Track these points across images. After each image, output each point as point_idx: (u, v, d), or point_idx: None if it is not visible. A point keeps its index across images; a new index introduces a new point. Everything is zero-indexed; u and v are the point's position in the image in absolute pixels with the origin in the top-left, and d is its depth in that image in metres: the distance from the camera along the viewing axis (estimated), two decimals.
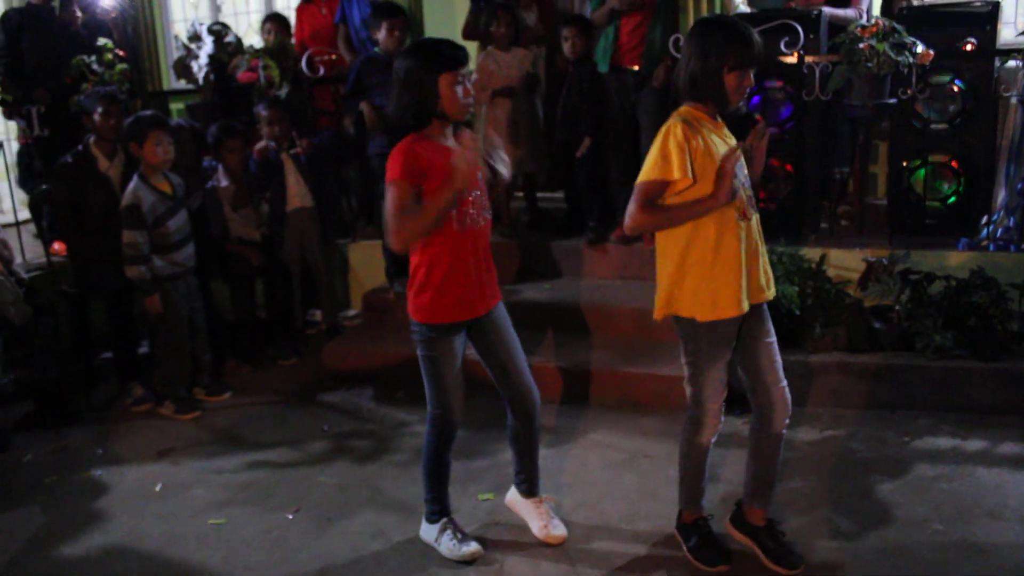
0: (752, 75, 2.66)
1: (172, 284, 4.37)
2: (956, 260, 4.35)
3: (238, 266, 5.03)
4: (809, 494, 3.36)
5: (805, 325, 4.20)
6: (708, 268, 2.68)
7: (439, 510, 3.10)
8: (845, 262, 4.48)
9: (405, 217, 2.71)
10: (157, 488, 3.71)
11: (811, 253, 4.45)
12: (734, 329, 2.76)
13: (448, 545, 3.05)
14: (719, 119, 2.75)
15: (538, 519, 3.15)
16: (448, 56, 2.72)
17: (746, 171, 2.74)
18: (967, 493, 3.30)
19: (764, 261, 2.78)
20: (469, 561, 3.02)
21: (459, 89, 2.73)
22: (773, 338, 2.82)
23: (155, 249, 4.29)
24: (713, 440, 2.90)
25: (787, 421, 2.86)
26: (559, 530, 3.12)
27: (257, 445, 4.07)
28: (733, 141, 2.73)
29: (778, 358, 2.82)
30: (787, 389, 2.84)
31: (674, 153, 2.60)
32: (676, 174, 2.60)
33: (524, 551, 3.09)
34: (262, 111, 5.03)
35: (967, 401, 3.95)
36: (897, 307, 4.18)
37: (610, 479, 3.57)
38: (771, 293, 2.80)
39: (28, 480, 3.85)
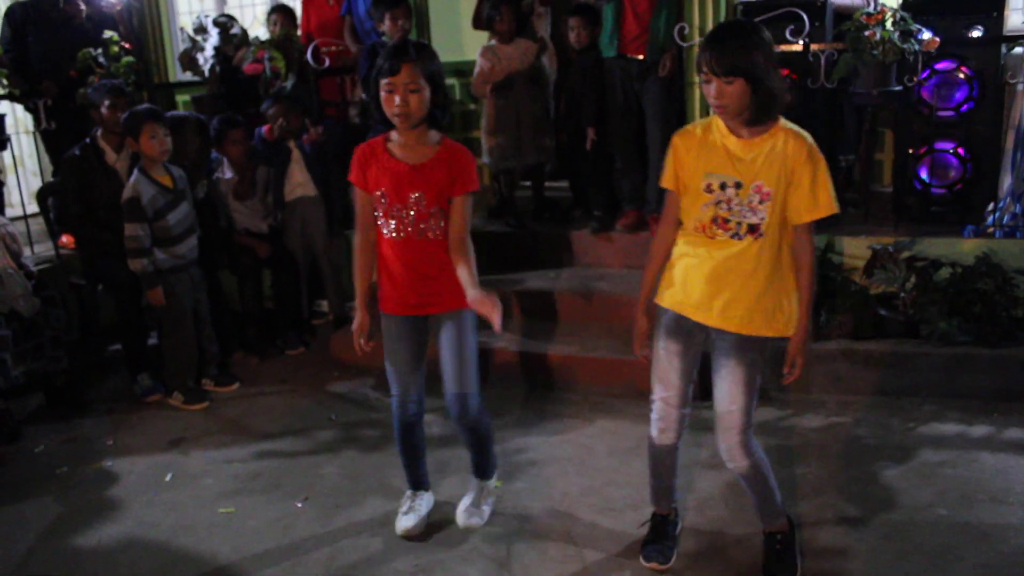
0: (714, 83, 2.43)
1: (175, 277, 4.39)
2: (962, 247, 4.34)
3: (245, 257, 5.06)
4: (814, 480, 3.37)
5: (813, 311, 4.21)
6: (675, 257, 2.70)
7: (408, 482, 3.26)
8: (851, 249, 4.49)
9: (357, 240, 2.96)
10: (167, 478, 3.75)
11: (816, 240, 4.44)
12: (679, 327, 2.68)
13: (398, 514, 3.21)
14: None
15: (465, 498, 3.25)
16: (381, 65, 2.76)
17: (740, 198, 2.54)
18: (972, 478, 3.32)
19: (754, 291, 2.57)
20: (404, 536, 3.14)
21: (388, 97, 2.75)
22: (730, 372, 2.62)
23: (156, 242, 4.31)
24: (669, 442, 2.80)
25: (736, 467, 2.70)
26: (464, 517, 3.18)
27: (265, 435, 4.10)
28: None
29: (731, 397, 2.63)
30: (735, 435, 2.65)
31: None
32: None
33: (531, 537, 3.12)
34: (267, 109, 5.04)
35: (972, 387, 3.96)
36: (903, 294, 4.19)
37: (616, 465, 3.59)
38: (735, 326, 2.59)
39: (40, 471, 3.88)
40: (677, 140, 2.65)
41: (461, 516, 3.19)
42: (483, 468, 3.25)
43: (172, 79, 7.10)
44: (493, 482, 3.31)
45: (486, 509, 3.23)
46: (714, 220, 2.57)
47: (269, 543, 3.19)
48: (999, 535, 2.96)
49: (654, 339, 2.77)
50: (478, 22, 5.60)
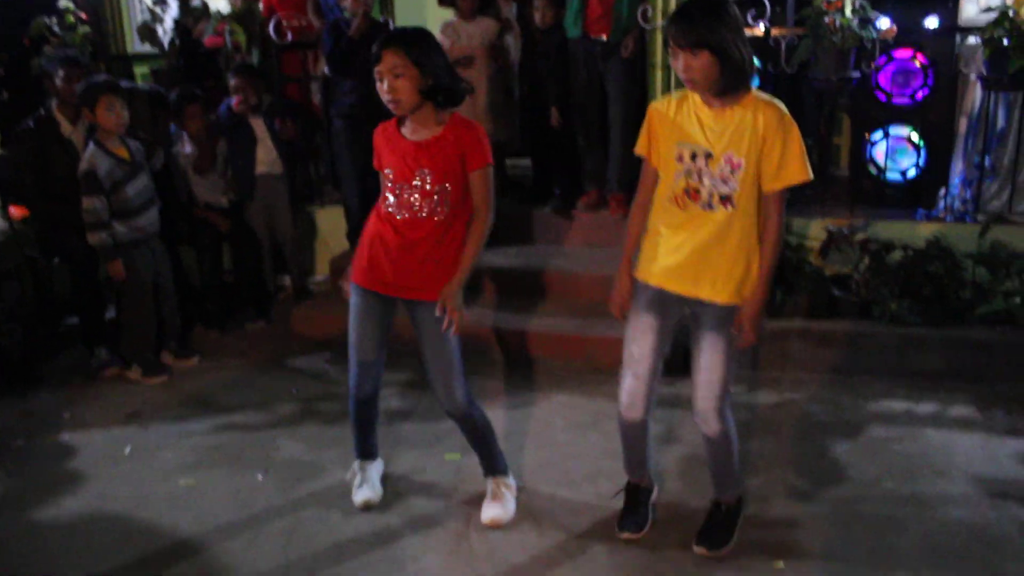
0: (681, 56, 2.46)
1: (136, 250, 4.35)
2: (914, 231, 4.46)
3: (205, 231, 5.02)
4: (767, 455, 3.46)
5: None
6: (648, 230, 2.74)
7: (356, 453, 3.28)
8: (807, 231, 4.58)
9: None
10: (126, 451, 3.73)
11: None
12: (657, 301, 2.72)
13: (353, 488, 3.23)
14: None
15: (487, 497, 3.18)
16: (373, 53, 2.79)
17: (711, 168, 2.57)
18: (917, 453, 3.43)
19: (722, 260, 2.62)
20: (364, 507, 3.18)
21: (378, 86, 2.78)
22: (711, 343, 2.69)
23: (115, 215, 4.26)
24: (636, 416, 2.82)
25: (708, 430, 2.76)
26: (487, 512, 3.11)
27: (225, 408, 4.09)
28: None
29: (711, 367, 2.69)
30: (711, 400, 2.71)
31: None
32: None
33: None
34: (231, 79, 4.99)
35: (921, 367, 4.08)
36: (856, 276, 4.29)
37: (574, 439, 3.66)
38: (705, 292, 2.64)
39: None
40: (652, 108, 2.70)
41: (483, 513, 3.13)
42: (491, 463, 3.18)
43: (130, 51, 6.97)
44: (510, 478, 3.22)
45: (508, 503, 3.14)
46: (686, 191, 2.61)
47: (230, 515, 3.20)
48: (941, 507, 3.07)
49: (630, 312, 2.81)
50: (447, 1, 5.58)
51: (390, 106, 2.78)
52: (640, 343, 2.77)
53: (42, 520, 3.25)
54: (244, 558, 2.96)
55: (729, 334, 2.66)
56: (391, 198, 2.87)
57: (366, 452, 3.29)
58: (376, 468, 3.31)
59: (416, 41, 2.77)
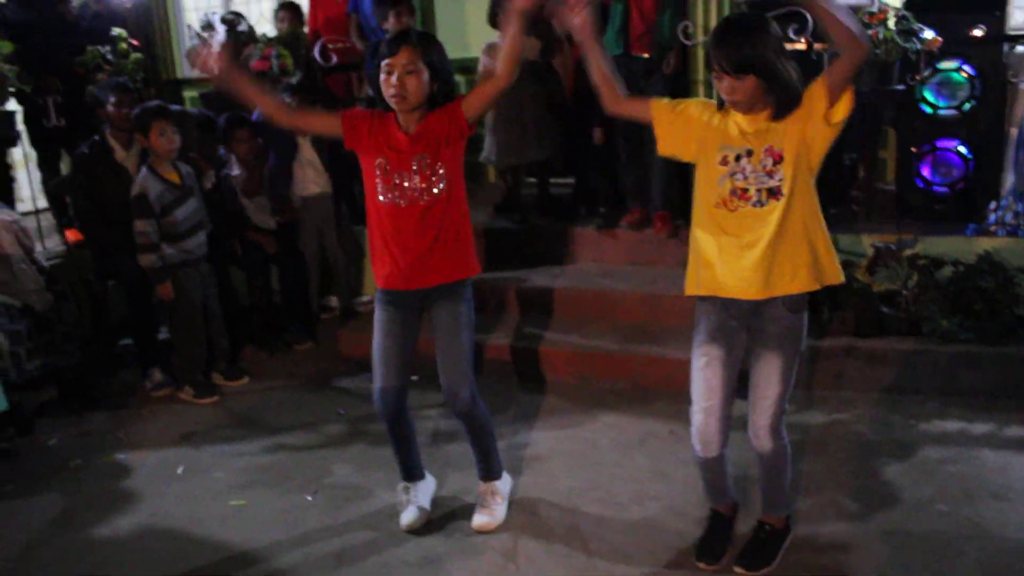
0: (726, 80, 2.47)
1: (184, 271, 4.45)
2: (964, 245, 4.38)
3: (253, 253, 5.11)
4: (816, 476, 3.42)
5: (813, 310, 4.25)
6: (695, 245, 2.72)
7: (401, 474, 3.30)
8: (854, 247, 4.52)
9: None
10: (179, 471, 3.80)
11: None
12: (721, 329, 2.68)
13: (401, 510, 3.25)
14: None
15: (477, 504, 3.25)
16: (381, 49, 2.87)
17: (753, 164, 2.57)
18: (972, 475, 3.37)
19: (785, 251, 2.57)
20: (408, 530, 3.18)
21: (386, 79, 2.84)
22: (771, 359, 2.65)
23: (165, 238, 4.37)
24: (712, 455, 2.75)
25: (762, 447, 2.73)
26: (476, 519, 3.19)
27: (275, 429, 4.15)
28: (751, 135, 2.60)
29: (769, 383, 2.67)
30: (767, 417, 2.68)
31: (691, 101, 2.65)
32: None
33: (536, 530, 3.17)
34: (286, 98, 5.08)
35: (974, 385, 4.00)
36: (905, 292, 4.23)
37: (621, 460, 3.65)
38: (779, 288, 2.58)
39: (53, 463, 3.94)
40: (701, 100, 2.72)
41: (473, 520, 3.20)
42: (488, 467, 3.26)
43: (179, 76, 7.14)
44: (502, 483, 3.30)
45: (498, 509, 3.22)
46: (733, 192, 2.59)
47: (279, 535, 3.25)
48: (999, 531, 3.00)
49: (693, 344, 2.75)
50: (495, 19, 5.62)
51: (393, 100, 2.85)
52: (711, 376, 2.72)
53: (98, 537, 3.33)
54: None
55: (790, 344, 2.65)
56: (384, 187, 2.92)
57: (409, 472, 3.30)
58: (424, 488, 3.32)
59: (432, 43, 2.89)
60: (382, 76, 2.84)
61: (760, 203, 2.57)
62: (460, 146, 2.96)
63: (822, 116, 2.51)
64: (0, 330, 3.97)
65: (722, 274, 2.64)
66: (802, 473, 3.43)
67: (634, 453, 3.69)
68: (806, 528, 3.05)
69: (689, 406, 2.80)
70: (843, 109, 2.51)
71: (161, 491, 3.64)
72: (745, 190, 2.58)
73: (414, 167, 2.89)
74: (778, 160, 2.53)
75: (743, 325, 2.70)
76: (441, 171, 2.91)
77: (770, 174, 2.54)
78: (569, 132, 5.49)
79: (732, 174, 2.59)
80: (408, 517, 3.22)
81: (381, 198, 2.94)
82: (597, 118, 5.12)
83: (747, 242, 2.59)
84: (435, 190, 2.90)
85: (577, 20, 2.70)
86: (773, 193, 2.55)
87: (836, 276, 2.66)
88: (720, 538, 2.96)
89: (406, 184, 2.90)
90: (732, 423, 2.79)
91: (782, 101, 2.49)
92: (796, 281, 2.61)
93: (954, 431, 3.73)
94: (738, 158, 2.58)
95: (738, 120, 2.59)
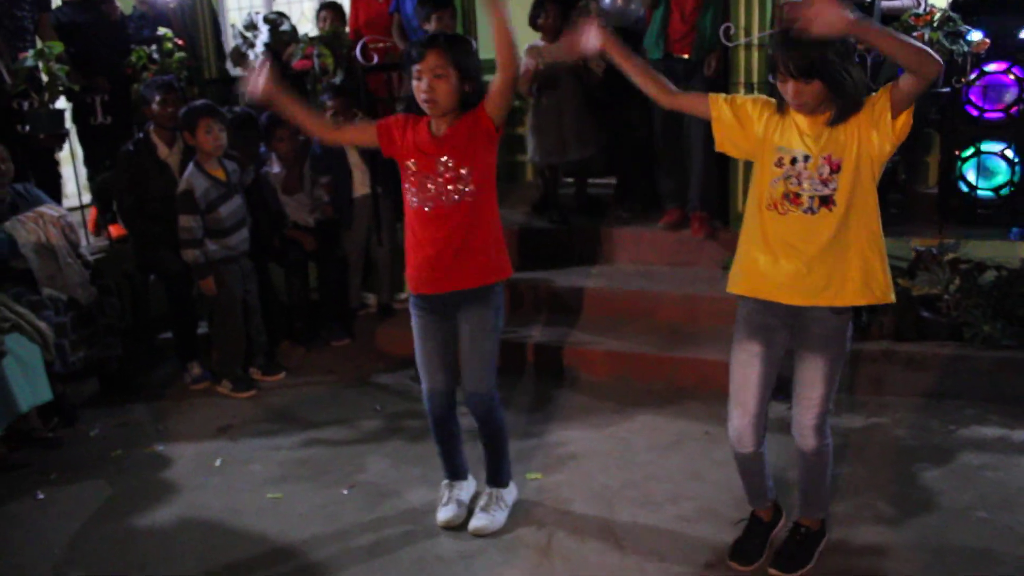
0: (791, 83, 2.45)
1: (226, 267, 4.51)
2: (1008, 250, 4.31)
3: (292, 250, 5.17)
4: (853, 480, 3.39)
5: (854, 312, 4.21)
6: (743, 243, 2.71)
7: (444, 472, 3.33)
8: (895, 251, 4.44)
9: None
10: (217, 463, 3.86)
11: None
12: (760, 324, 2.68)
13: (439, 506, 3.27)
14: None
15: (479, 507, 3.24)
16: (409, 54, 2.89)
17: (810, 171, 2.54)
18: (1013, 482, 3.31)
19: (834, 262, 2.55)
20: (444, 527, 3.20)
21: (417, 84, 2.86)
22: (814, 359, 2.65)
23: (209, 234, 4.44)
24: (748, 450, 2.78)
25: (805, 446, 2.74)
26: (473, 521, 3.18)
27: (312, 423, 4.20)
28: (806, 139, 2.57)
29: (813, 382, 2.66)
30: (811, 416, 2.69)
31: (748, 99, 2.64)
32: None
33: (571, 528, 3.18)
34: (327, 100, 5.14)
35: (1016, 392, 3.93)
36: (946, 296, 4.17)
37: (656, 460, 3.64)
38: (823, 299, 2.58)
39: (95, 453, 4.02)
40: (759, 97, 2.69)
41: (471, 522, 3.19)
42: (496, 472, 3.26)
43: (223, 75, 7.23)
44: (508, 492, 3.29)
45: (498, 515, 3.21)
46: (785, 195, 2.57)
47: (316, 528, 3.28)
48: None
49: (733, 340, 2.76)
50: (534, 21, 5.65)
51: (426, 106, 2.86)
52: (747, 373, 2.73)
53: (138, 527, 3.39)
54: (328, 570, 3.03)
55: (834, 352, 2.63)
56: (414, 190, 2.95)
57: (454, 471, 3.31)
58: (465, 488, 3.33)
59: (464, 48, 2.89)
60: (414, 82, 2.86)
61: (812, 210, 2.55)
62: (489, 149, 2.95)
63: (885, 129, 2.47)
64: (47, 322, 4.05)
65: (765, 276, 2.63)
66: (840, 477, 3.40)
67: (669, 453, 3.68)
68: (842, 532, 3.02)
69: (726, 406, 2.81)
70: (905, 125, 2.47)
71: (199, 483, 3.70)
72: (798, 195, 2.56)
73: (440, 169, 2.90)
74: (835, 169, 2.51)
75: (784, 324, 2.68)
76: (466, 174, 2.90)
77: (825, 182, 2.52)
78: (609, 132, 5.49)
79: (787, 177, 2.57)
80: (447, 514, 3.23)
81: (411, 201, 2.97)
82: (635, 119, 5.12)
83: (794, 248, 2.58)
84: (457, 196, 2.91)
85: (596, 43, 2.71)
86: (825, 202, 2.53)
87: (886, 295, 2.61)
88: (756, 541, 2.94)
89: (430, 187, 2.92)
90: (768, 421, 2.79)
91: (843, 106, 2.47)
92: (841, 295, 2.59)
93: (994, 438, 3.68)
94: (794, 161, 2.56)
95: (799, 122, 2.56)
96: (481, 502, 3.26)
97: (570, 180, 5.86)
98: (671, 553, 2.99)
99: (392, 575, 2.99)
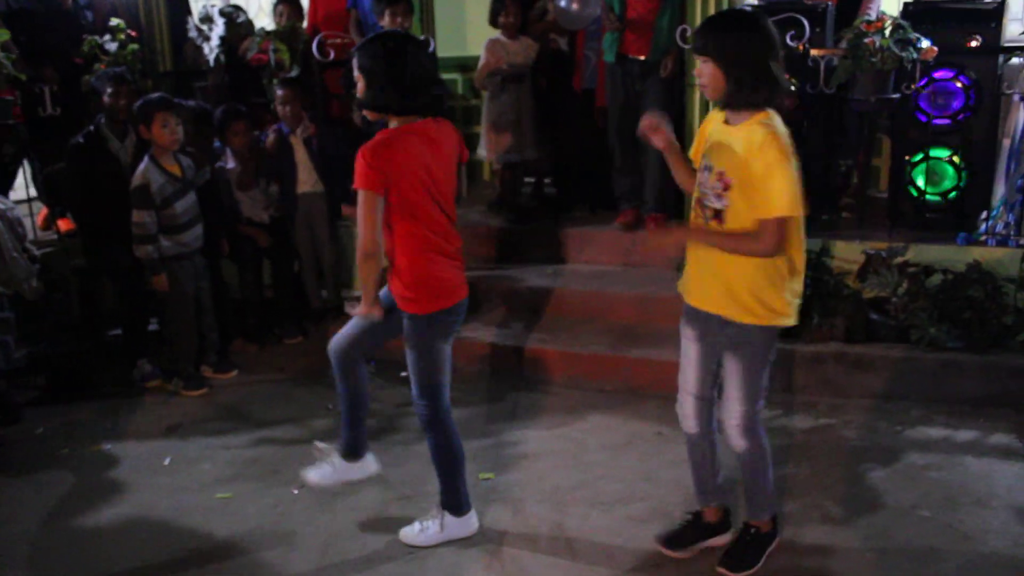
0: (698, 62, 2.57)
1: (179, 264, 4.44)
2: (955, 254, 4.39)
3: (246, 247, 5.11)
4: (801, 480, 3.44)
5: (803, 315, 4.26)
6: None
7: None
8: (845, 254, 4.53)
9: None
10: (166, 462, 3.80)
11: (811, 244, 4.49)
12: (695, 313, 2.77)
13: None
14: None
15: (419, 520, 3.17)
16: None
17: (710, 182, 2.62)
18: (956, 482, 3.38)
19: (725, 275, 2.63)
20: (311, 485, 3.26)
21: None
22: (728, 358, 2.73)
23: (163, 230, 4.37)
24: (690, 430, 2.86)
25: (734, 446, 2.79)
26: (404, 535, 3.13)
27: (263, 422, 4.16)
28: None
29: (730, 384, 2.74)
30: (730, 415, 2.75)
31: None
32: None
33: (522, 528, 3.18)
34: (278, 90, 5.09)
35: (960, 393, 4.02)
36: (895, 299, 4.25)
37: (608, 460, 3.66)
38: (715, 308, 2.68)
39: (41, 452, 3.94)
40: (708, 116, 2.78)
41: (401, 533, 3.13)
42: (449, 496, 3.09)
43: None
44: (452, 520, 3.11)
45: (430, 528, 3.09)
46: (698, 201, 2.68)
47: (266, 528, 3.25)
48: (980, 538, 3.02)
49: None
50: (495, 19, 5.65)
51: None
52: (686, 356, 2.84)
53: (83, 527, 3.33)
54: (278, 571, 3.00)
55: (746, 353, 2.69)
56: None
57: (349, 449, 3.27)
58: (347, 467, 3.27)
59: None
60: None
61: (707, 220, 2.65)
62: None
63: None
64: None
65: (684, 279, 2.80)
66: (788, 477, 3.45)
67: (622, 454, 3.70)
68: (790, 531, 3.06)
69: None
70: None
71: (147, 482, 3.64)
72: (704, 204, 2.66)
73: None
74: (726, 187, 2.58)
75: (707, 321, 2.76)
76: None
77: (719, 197, 2.60)
78: (563, 133, 5.52)
79: (700, 183, 2.68)
80: (313, 474, 3.25)
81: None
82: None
83: (697, 255, 2.73)
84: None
85: (659, 142, 2.74)
86: (716, 215, 2.62)
87: (774, 319, 2.63)
88: (691, 533, 3.00)
89: None
90: (711, 405, 2.86)
91: (734, 96, 2.52)
92: (729, 309, 2.67)
93: (939, 438, 3.75)
94: (706, 169, 2.64)
95: (717, 130, 2.64)
96: (427, 517, 3.13)
97: (528, 180, 5.86)
98: (621, 554, 3.00)
99: (343, 575, 2.96)
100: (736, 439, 2.78)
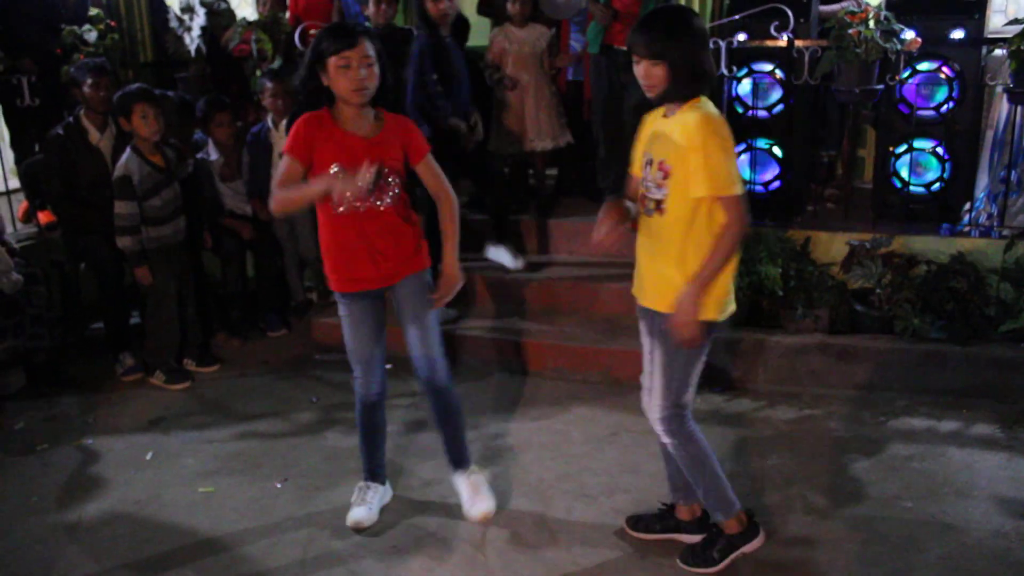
0: (642, 65, 2.60)
1: (161, 256, 4.40)
2: (938, 245, 4.40)
3: (229, 239, 5.07)
4: (785, 471, 3.44)
5: (787, 306, 4.28)
6: None
7: (364, 471, 3.27)
8: (829, 245, 4.54)
9: (281, 190, 2.81)
10: (148, 457, 3.77)
11: (796, 235, 4.51)
12: (639, 313, 2.82)
13: (352, 506, 3.20)
14: None
15: (464, 494, 3.21)
16: (327, 46, 2.77)
17: (651, 174, 2.64)
18: (938, 472, 3.40)
19: (658, 266, 2.67)
20: (354, 528, 3.13)
21: (348, 72, 2.77)
22: (653, 355, 2.75)
23: (145, 221, 4.32)
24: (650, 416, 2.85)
25: (662, 438, 2.80)
26: (478, 508, 3.16)
27: (246, 416, 4.13)
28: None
29: (652, 376, 2.77)
30: (653, 407, 2.77)
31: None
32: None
33: (506, 521, 3.17)
34: (267, 83, 5.03)
35: (943, 383, 4.03)
36: (878, 290, 4.26)
37: (592, 452, 3.65)
38: (647, 299, 2.73)
39: (20, 447, 3.90)
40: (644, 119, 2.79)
41: (471, 512, 3.16)
42: (460, 452, 3.22)
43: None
44: (479, 476, 3.26)
45: (486, 492, 3.20)
46: (642, 197, 2.70)
47: (248, 522, 3.23)
48: (962, 527, 3.04)
49: None
50: (484, 8, 5.60)
51: (357, 95, 2.79)
52: (644, 352, 2.86)
53: (63, 522, 3.29)
54: (260, 565, 2.98)
55: (667, 346, 2.68)
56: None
57: (372, 471, 3.26)
58: (379, 495, 3.26)
59: (376, 38, 2.86)
60: (346, 72, 2.78)
61: (648, 212, 2.67)
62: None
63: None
64: None
65: (635, 274, 2.81)
66: (772, 468, 3.45)
67: (605, 446, 3.70)
68: (773, 523, 3.07)
69: None
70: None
71: (129, 477, 3.61)
72: (646, 197, 2.68)
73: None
74: (666, 176, 2.59)
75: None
76: (396, 184, 2.93)
77: (659, 187, 2.62)
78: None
79: (644, 178, 2.69)
80: (359, 514, 3.16)
81: (338, 209, 2.92)
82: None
83: (643, 246, 2.74)
84: (393, 205, 2.94)
85: (611, 225, 2.72)
86: (657, 206, 2.63)
87: (706, 314, 2.61)
88: (656, 521, 3.02)
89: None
90: None
91: (677, 88, 2.55)
92: (654, 298, 2.70)
93: (922, 428, 3.77)
94: (649, 163, 2.67)
95: (656, 123, 2.67)
96: (465, 486, 3.20)
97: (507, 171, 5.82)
98: (603, 545, 3.00)
99: (325, 570, 2.95)
100: (660, 432, 2.79)
